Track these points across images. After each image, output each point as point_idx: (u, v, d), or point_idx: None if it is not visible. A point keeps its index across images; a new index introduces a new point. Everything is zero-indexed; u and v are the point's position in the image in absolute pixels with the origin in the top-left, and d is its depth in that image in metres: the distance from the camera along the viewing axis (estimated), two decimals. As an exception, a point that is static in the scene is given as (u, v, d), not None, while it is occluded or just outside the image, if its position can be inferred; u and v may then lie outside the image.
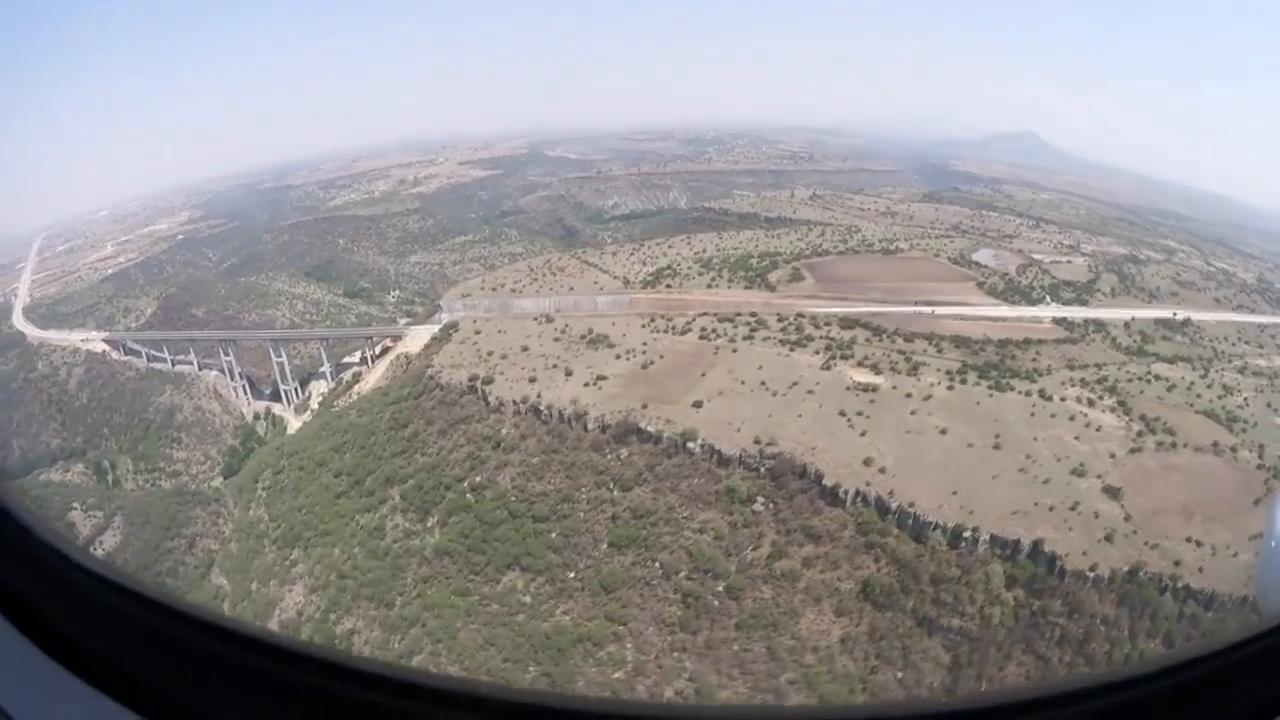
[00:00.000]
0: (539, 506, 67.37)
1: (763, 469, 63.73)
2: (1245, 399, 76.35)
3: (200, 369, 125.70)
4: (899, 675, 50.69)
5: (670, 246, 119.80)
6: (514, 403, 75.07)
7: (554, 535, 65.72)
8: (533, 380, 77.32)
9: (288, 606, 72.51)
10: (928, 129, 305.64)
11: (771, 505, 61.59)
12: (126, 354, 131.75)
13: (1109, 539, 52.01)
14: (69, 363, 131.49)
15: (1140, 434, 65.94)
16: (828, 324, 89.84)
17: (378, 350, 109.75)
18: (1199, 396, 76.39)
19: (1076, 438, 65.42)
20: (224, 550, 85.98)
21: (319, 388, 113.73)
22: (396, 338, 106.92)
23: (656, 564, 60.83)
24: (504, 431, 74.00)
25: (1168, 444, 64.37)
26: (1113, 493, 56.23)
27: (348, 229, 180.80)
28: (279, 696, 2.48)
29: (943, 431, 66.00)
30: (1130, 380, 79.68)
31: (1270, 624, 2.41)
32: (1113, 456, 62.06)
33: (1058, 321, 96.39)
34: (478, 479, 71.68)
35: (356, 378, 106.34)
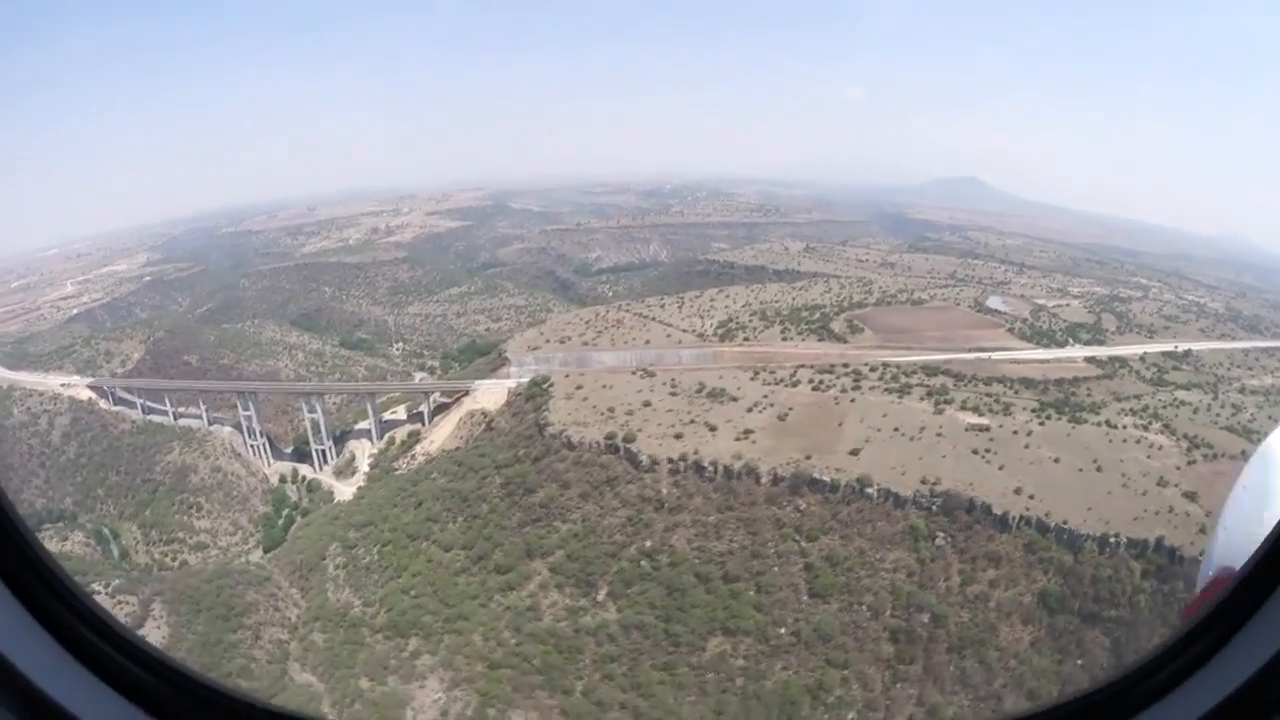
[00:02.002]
0: (730, 566, 62.12)
1: (934, 506, 64.40)
2: (1252, 414, 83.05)
3: (210, 423, 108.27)
4: (1079, 663, 54.19)
5: (712, 300, 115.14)
6: (669, 460, 67.61)
7: (751, 593, 60.91)
8: (679, 436, 70.09)
9: (423, 705, 60.25)
10: (871, 176, 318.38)
11: (950, 538, 62.83)
12: (117, 403, 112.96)
13: (1202, 531, 56.15)
14: (50, 410, 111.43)
15: (1189, 450, 71.25)
16: (913, 372, 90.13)
17: (429, 406, 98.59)
18: (1218, 415, 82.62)
19: (1148, 456, 70.03)
20: (301, 641, 70.42)
21: (362, 447, 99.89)
22: (459, 393, 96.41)
23: (863, 606, 59.90)
24: (664, 491, 66.65)
25: (1210, 455, 69.74)
26: (1191, 496, 61.69)
27: (332, 277, 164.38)
28: None
29: (1056, 460, 68.61)
30: (1164, 407, 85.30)
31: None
32: (1178, 469, 67.33)
33: (1089, 360, 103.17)
34: (647, 544, 63.84)
35: (414, 437, 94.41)
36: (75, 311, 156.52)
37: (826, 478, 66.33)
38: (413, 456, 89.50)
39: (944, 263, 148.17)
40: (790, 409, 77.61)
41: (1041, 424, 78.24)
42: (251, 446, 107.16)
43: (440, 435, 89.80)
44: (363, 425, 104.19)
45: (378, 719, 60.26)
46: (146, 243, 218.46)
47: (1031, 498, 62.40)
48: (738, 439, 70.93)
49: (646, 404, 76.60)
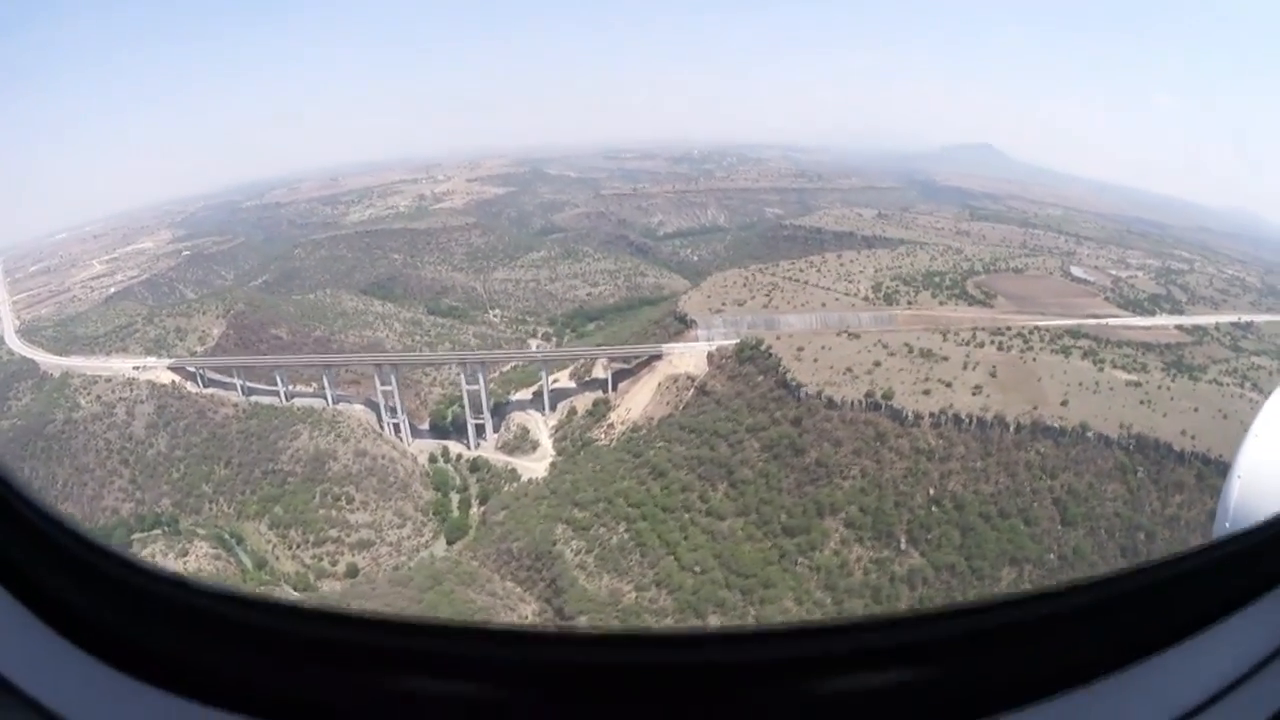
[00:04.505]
0: (1002, 504, 68.33)
1: (1130, 446, 72.63)
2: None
3: (334, 401, 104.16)
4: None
5: (841, 264, 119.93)
6: (930, 414, 73.21)
7: (1022, 526, 67.21)
8: (927, 393, 75.40)
9: None
10: (884, 142, 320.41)
11: (1147, 471, 70.96)
12: (208, 385, 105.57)
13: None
14: (126, 398, 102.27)
15: None
16: (1061, 335, 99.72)
17: (609, 373, 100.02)
18: None
19: (1251, 408, 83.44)
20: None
21: (532, 420, 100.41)
22: (639, 358, 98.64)
23: (1100, 531, 67.72)
24: (932, 443, 72.15)
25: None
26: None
27: (399, 244, 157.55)
28: (267, 647, 2.38)
29: (1195, 410, 76.23)
30: (1251, 370, 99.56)
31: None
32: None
33: (1178, 328, 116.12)
34: (930, 491, 69.36)
35: (601, 405, 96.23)
36: (113, 290, 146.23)
37: (1056, 424, 73.88)
38: (610, 426, 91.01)
39: (1008, 231, 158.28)
40: (994, 368, 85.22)
41: (1173, 381, 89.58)
42: (391, 425, 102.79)
43: (638, 402, 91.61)
44: (521, 396, 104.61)
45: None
46: (164, 220, 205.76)
47: (1193, 438, 71.13)
48: (973, 393, 77.83)
49: (877, 364, 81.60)
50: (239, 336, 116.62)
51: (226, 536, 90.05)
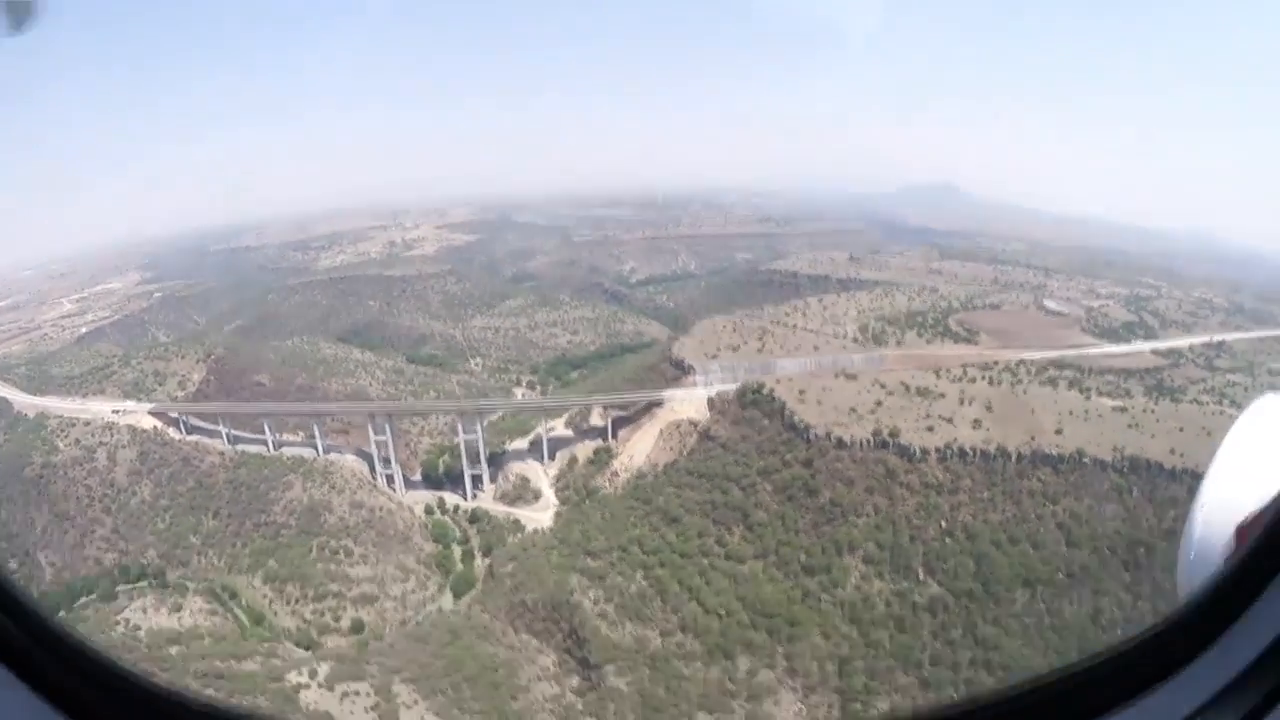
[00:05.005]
0: (1010, 532, 72.62)
1: (1124, 468, 78.37)
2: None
3: (324, 451, 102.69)
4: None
5: (824, 308, 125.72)
6: (935, 450, 77.34)
7: (1031, 550, 71.45)
8: (931, 429, 79.45)
9: (787, 703, 64.42)
10: (845, 184, 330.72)
11: (1142, 490, 76.02)
12: (190, 432, 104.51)
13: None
14: (106, 442, 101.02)
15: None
16: (1046, 368, 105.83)
17: (608, 420, 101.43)
18: (1263, 394, 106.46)
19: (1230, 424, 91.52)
20: (596, 690, 67.54)
21: (531, 469, 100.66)
22: (634, 405, 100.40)
23: (1106, 549, 71.62)
24: (940, 477, 76.09)
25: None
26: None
27: (374, 291, 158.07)
28: None
29: (1181, 429, 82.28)
30: (1228, 388, 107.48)
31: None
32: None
33: (1154, 353, 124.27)
34: (942, 524, 72.75)
35: (602, 454, 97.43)
36: (84, 330, 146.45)
37: (1054, 452, 78.98)
38: (614, 474, 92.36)
39: (978, 269, 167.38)
40: (989, 402, 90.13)
41: (1155, 404, 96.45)
42: (385, 476, 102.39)
43: (640, 449, 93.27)
44: (517, 445, 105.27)
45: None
46: (131, 261, 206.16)
47: (1181, 455, 76.21)
48: (973, 427, 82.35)
49: (879, 403, 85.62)
50: (220, 382, 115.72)
51: (217, 591, 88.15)
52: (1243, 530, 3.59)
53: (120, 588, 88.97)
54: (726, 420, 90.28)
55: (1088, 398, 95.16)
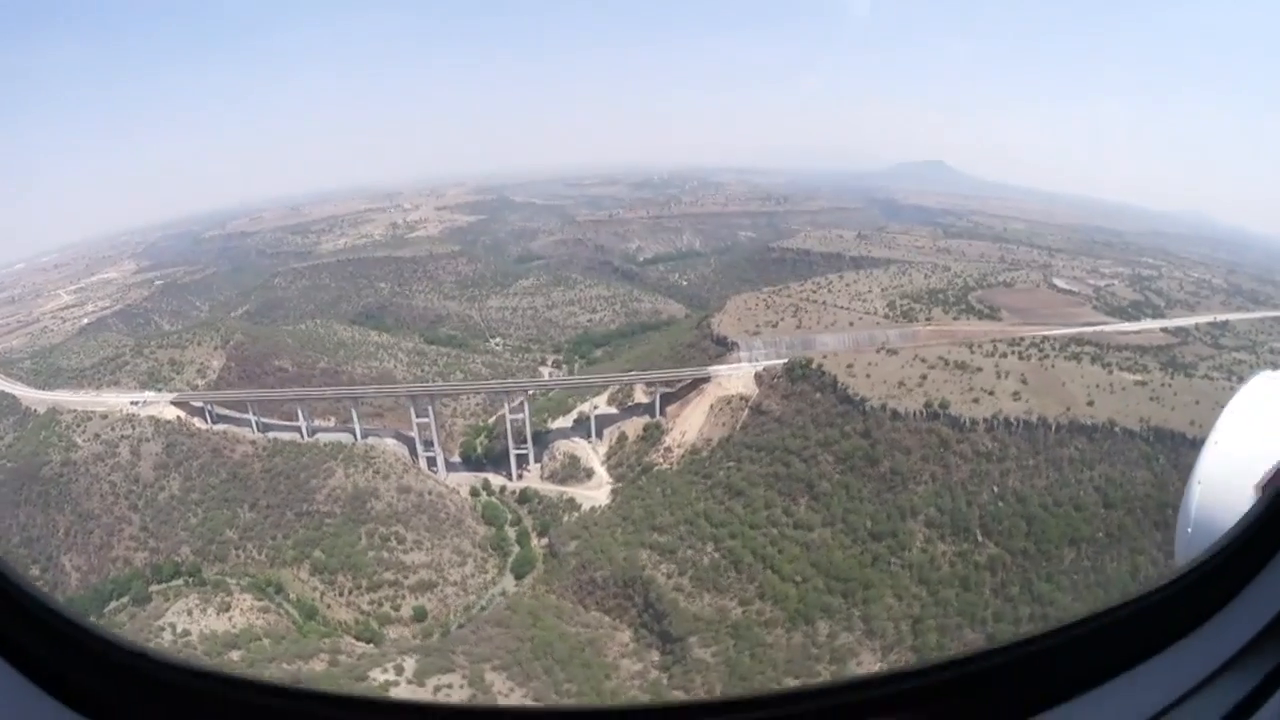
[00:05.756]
0: (1057, 494, 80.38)
1: (1150, 436, 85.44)
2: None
3: (363, 436, 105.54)
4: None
5: (847, 286, 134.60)
6: (984, 420, 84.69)
7: (1074, 511, 78.35)
8: (976, 400, 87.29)
9: (868, 662, 68.98)
10: (837, 162, 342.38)
11: (1166, 458, 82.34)
12: (217, 421, 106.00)
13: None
14: (128, 436, 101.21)
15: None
16: (1068, 344, 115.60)
17: (656, 397, 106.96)
18: (1274, 368, 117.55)
19: None
20: (682, 663, 71.76)
21: (578, 448, 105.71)
22: (680, 381, 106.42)
23: (1137, 510, 78.02)
24: (990, 446, 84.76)
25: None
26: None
27: (384, 273, 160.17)
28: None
29: (1196, 402, 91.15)
30: (1235, 364, 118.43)
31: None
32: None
33: (1164, 331, 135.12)
34: (994, 489, 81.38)
35: (653, 430, 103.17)
36: (86, 321, 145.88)
37: (1088, 422, 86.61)
38: (667, 450, 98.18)
39: (984, 248, 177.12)
40: (1024, 375, 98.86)
41: (1171, 379, 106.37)
42: (426, 459, 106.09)
43: (692, 425, 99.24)
44: (560, 424, 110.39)
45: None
46: (124, 250, 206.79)
47: (1200, 427, 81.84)
48: (1014, 399, 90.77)
49: (924, 376, 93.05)
50: (241, 369, 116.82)
51: (265, 587, 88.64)
52: (1264, 486, 3.58)
53: (154, 588, 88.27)
54: (777, 395, 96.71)
55: (1110, 372, 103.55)
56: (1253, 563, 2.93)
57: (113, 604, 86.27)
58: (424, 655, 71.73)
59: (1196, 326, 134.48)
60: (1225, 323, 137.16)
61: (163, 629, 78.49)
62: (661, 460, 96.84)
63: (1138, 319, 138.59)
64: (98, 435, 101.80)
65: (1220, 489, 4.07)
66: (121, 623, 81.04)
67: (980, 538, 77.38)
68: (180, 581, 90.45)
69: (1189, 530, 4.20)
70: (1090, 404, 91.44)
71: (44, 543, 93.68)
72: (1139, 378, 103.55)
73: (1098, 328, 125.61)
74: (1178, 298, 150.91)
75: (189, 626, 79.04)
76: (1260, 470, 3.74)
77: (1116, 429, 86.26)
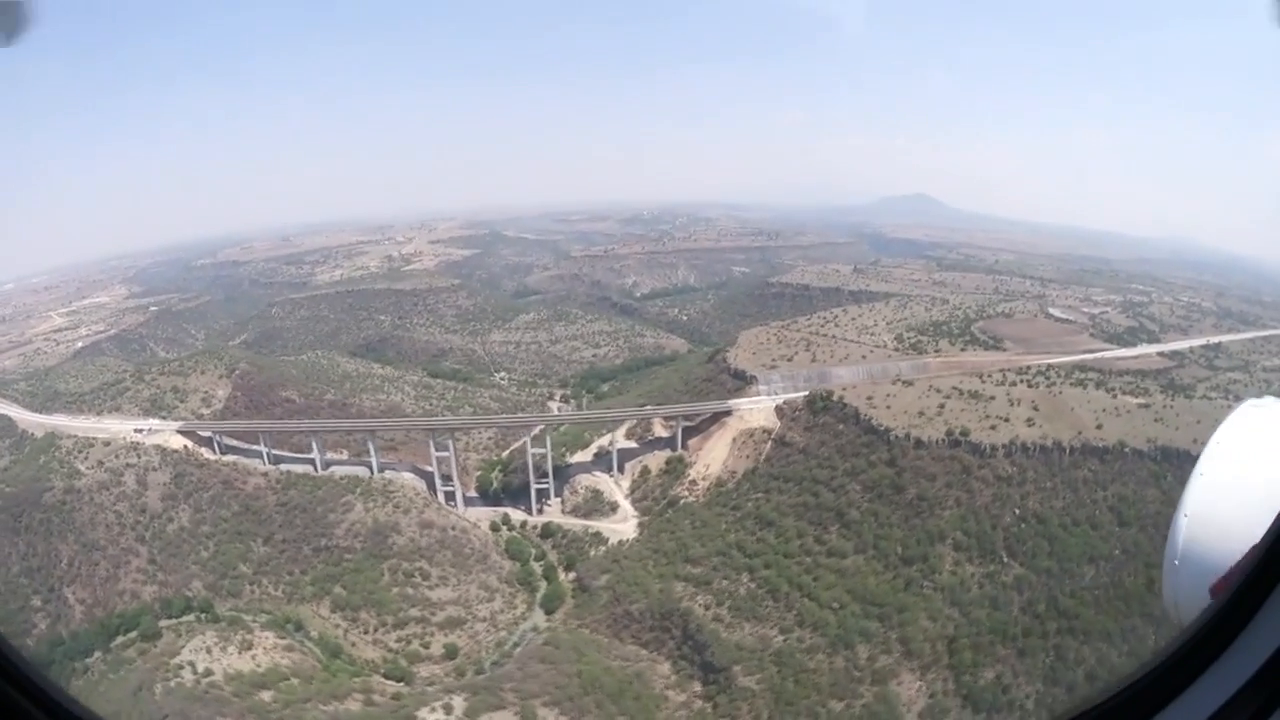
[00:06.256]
0: (1075, 514, 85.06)
1: (1157, 455, 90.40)
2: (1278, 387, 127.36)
3: (380, 469, 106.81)
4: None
5: (852, 319, 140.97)
6: (1002, 446, 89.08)
7: (1090, 530, 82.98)
8: (994, 428, 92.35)
9: (912, 699, 71.93)
10: (820, 197, 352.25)
11: (1173, 475, 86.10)
12: (225, 452, 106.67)
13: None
14: (133, 464, 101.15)
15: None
16: (1071, 371, 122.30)
17: (678, 431, 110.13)
18: (1261, 390, 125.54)
19: None
20: (727, 692, 74.17)
21: (601, 482, 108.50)
22: (699, 415, 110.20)
23: (1150, 527, 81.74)
24: (1010, 470, 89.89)
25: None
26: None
27: (384, 305, 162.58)
28: None
29: (1198, 422, 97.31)
30: (1231, 384, 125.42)
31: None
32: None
33: (1160, 355, 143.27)
34: (1015, 511, 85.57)
35: (675, 464, 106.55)
36: (80, 345, 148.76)
37: (1099, 445, 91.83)
38: (692, 482, 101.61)
39: (978, 280, 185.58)
40: (1034, 403, 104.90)
41: (1172, 400, 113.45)
42: (444, 493, 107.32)
43: (715, 458, 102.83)
44: (580, 458, 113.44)
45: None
46: (115, 275, 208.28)
47: (1203, 445, 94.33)
48: (1028, 425, 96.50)
49: (942, 406, 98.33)
50: (249, 399, 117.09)
51: (285, 624, 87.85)
52: (1217, 586, 3.85)
53: (164, 623, 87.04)
54: (799, 427, 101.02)
55: (1114, 396, 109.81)
56: (1195, 667, 3.11)
57: (119, 638, 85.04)
58: (472, 693, 72.89)
59: (1191, 349, 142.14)
60: (1218, 344, 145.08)
61: (181, 667, 77.62)
62: (687, 493, 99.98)
63: (1134, 344, 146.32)
64: (101, 462, 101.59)
65: (1207, 522, 4.27)
66: (131, 659, 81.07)
67: (1006, 558, 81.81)
68: (192, 617, 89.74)
69: (1176, 563, 4.36)
70: (1099, 427, 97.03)
71: (45, 573, 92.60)
72: (1142, 400, 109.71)
73: (1098, 354, 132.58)
74: (1170, 322, 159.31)
75: (211, 665, 78.19)
76: (1250, 500, 4.10)
77: (1126, 450, 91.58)
